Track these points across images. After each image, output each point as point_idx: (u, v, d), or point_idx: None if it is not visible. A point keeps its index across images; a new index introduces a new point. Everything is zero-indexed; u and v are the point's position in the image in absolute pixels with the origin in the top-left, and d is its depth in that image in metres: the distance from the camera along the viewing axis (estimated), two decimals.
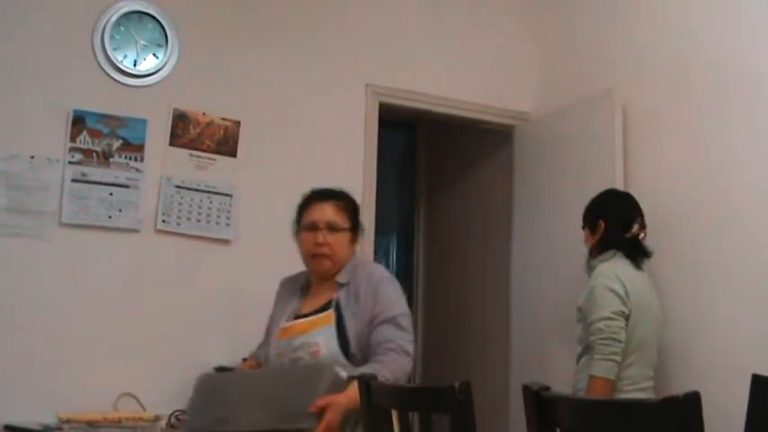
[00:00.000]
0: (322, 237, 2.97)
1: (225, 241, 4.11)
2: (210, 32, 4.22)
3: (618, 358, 3.31)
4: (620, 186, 4.06)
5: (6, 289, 3.66)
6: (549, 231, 4.48)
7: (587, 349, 3.45)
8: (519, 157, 4.93)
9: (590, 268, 3.65)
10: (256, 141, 4.19)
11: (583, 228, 3.75)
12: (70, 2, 3.95)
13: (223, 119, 4.16)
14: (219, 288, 4.04)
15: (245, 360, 3.41)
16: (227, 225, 4.11)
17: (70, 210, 3.80)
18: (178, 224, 4.02)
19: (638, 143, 4.11)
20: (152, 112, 4.00)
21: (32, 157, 3.76)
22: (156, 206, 3.98)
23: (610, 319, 3.34)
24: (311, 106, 4.40)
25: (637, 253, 3.61)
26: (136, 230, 3.94)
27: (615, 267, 3.52)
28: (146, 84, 4.03)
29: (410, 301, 6.11)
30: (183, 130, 4.07)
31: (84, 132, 3.86)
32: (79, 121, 3.85)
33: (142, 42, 4.04)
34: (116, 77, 3.97)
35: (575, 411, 1.80)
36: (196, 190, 4.05)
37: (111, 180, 3.89)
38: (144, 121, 3.98)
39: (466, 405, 2.04)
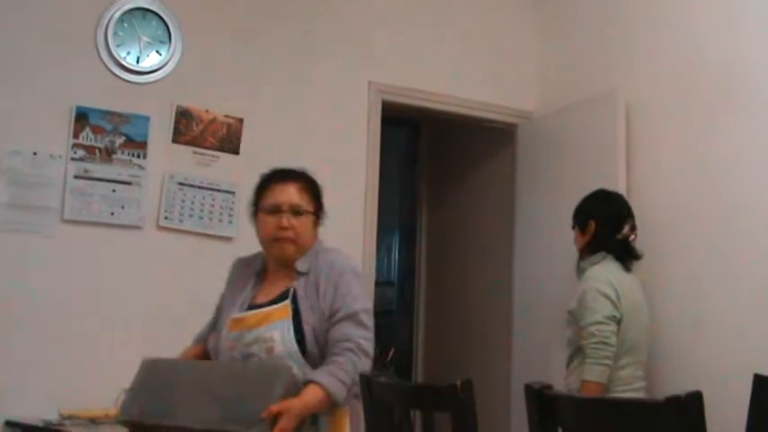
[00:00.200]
0: (286, 220, 2.72)
1: (227, 238, 4.11)
2: (214, 29, 4.22)
3: (609, 362, 3.31)
4: (622, 186, 4.06)
5: (8, 285, 3.67)
6: (551, 230, 4.47)
7: (578, 352, 3.46)
8: (522, 156, 4.92)
9: (580, 270, 3.65)
10: (259, 139, 4.19)
11: (573, 227, 3.75)
12: None
13: (226, 116, 4.16)
14: (222, 285, 4.03)
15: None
16: (230, 222, 4.11)
17: (73, 206, 3.80)
18: (181, 221, 4.02)
19: (641, 143, 4.11)
20: (155, 109, 4.00)
21: (35, 154, 3.76)
22: (158, 203, 3.98)
23: (602, 323, 3.35)
24: (314, 104, 4.40)
25: (626, 255, 3.60)
26: (138, 227, 3.94)
27: (606, 271, 3.51)
28: (149, 80, 4.03)
29: (412, 299, 6.18)
30: (186, 127, 4.07)
31: (87, 129, 3.86)
32: (82, 118, 3.85)
33: (145, 39, 4.04)
34: (119, 74, 3.97)
35: (577, 410, 1.80)
36: (199, 187, 4.06)
37: (114, 177, 3.89)
38: (147, 118, 3.98)
39: (467, 403, 2.04)
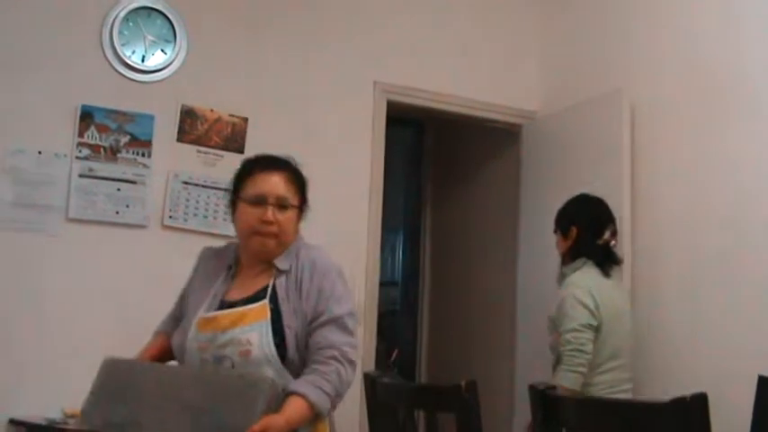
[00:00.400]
0: (271, 213, 2.48)
1: (232, 238, 4.10)
2: (219, 29, 4.22)
3: (583, 369, 3.33)
4: (626, 186, 4.06)
5: (13, 283, 3.67)
6: None
7: (561, 358, 3.46)
8: (526, 156, 4.92)
9: (561, 276, 3.65)
10: (264, 138, 4.18)
11: (555, 232, 3.74)
12: None
13: (231, 115, 4.17)
14: None
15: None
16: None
17: (77, 205, 3.81)
18: (185, 220, 4.02)
19: (645, 143, 4.10)
20: (160, 108, 4.01)
21: (40, 152, 3.77)
22: (163, 202, 3.98)
23: (577, 331, 3.37)
24: (319, 103, 4.40)
25: (607, 261, 3.61)
26: (143, 226, 3.94)
27: (586, 278, 3.52)
28: (154, 79, 4.03)
29: (416, 299, 6.18)
30: (191, 127, 4.08)
31: (92, 128, 3.87)
32: (87, 117, 3.86)
33: (150, 38, 4.05)
34: (124, 73, 3.97)
35: (581, 411, 1.80)
36: (203, 186, 4.06)
37: (119, 176, 3.90)
38: (152, 117, 3.98)
39: (472, 404, 2.05)
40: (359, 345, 2.47)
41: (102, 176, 3.86)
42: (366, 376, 2.60)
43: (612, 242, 3.64)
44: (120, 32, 3.97)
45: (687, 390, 1.57)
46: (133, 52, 4.00)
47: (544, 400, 1.83)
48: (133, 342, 3.79)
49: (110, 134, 3.89)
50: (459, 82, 4.82)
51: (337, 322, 2.41)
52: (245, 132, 4.18)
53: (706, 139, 3.79)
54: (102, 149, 3.88)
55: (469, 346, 5.39)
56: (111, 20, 3.95)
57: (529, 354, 4.68)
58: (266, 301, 2.43)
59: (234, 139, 4.16)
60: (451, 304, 5.75)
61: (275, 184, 2.53)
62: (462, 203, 5.74)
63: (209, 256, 2.72)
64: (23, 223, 3.70)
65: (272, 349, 2.36)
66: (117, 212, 3.89)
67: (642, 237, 4.04)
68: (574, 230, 3.63)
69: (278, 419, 2.16)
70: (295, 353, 2.38)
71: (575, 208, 3.72)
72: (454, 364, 5.48)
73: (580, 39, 4.73)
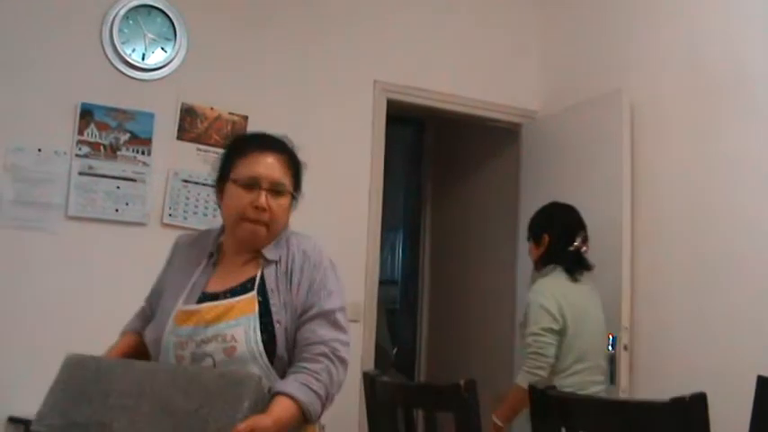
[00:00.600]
0: (264, 199, 2.26)
1: None
2: (219, 27, 4.22)
3: (543, 372, 3.41)
4: (626, 185, 4.06)
5: (12, 280, 3.67)
6: None
7: None
8: (526, 156, 4.92)
9: (532, 282, 3.74)
10: None
11: (528, 240, 3.83)
12: None
13: (231, 113, 4.16)
14: None
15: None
16: None
17: (77, 203, 3.81)
18: (185, 218, 4.02)
19: (645, 143, 4.10)
20: (160, 106, 4.01)
21: (40, 150, 3.77)
22: (162, 200, 3.98)
23: (538, 335, 3.46)
24: (319, 102, 4.40)
25: (577, 266, 3.67)
26: (142, 224, 3.94)
27: (552, 284, 3.61)
28: (154, 77, 4.04)
29: (415, 298, 6.18)
30: (191, 125, 4.08)
31: (92, 125, 3.87)
32: (87, 115, 3.86)
33: (151, 36, 4.05)
34: (124, 71, 3.97)
35: (581, 411, 1.80)
36: (203, 184, 4.05)
37: (119, 173, 3.90)
38: (151, 115, 3.98)
39: (471, 403, 2.05)
40: (351, 342, 2.28)
41: (101, 174, 3.86)
42: (365, 375, 2.60)
43: (584, 248, 3.71)
44: (121, 30, 3.97)
45: (686, 389, 1.57)
46: (133, 50, 4.00)
47: (544, 399, 1.83)
48: None
49: (110, 132, 3.89)
50: (459, 81, 4.82)
51: (328, 317, 2.22)
52: (245, 130, 4.17)
53: (705, 139, 3.79)
54: (101, 147, 3.88)
55: (469, 345, 5.39)
56: (112, 18, 3.95)
57: None
58: (254, 293, 2.23)
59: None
60: (451, 303, 5.75)
61: (270, 166, 2.31)
62: (462, 202, 5.74)
63: (186, 243, 2.48)
64: (23, 221, 3.70)
65: (259, 346, 2.15)
66: (117, 210, 3.89)
67: (642, 236, 4.04)
68: (546, 238, 3.71)
69: (264, 420, 1.96)
70: (284, 351, 2.18)
71: (546, 216, 3.81)
72: (453, 363, 5.48)
73: (580, 38, 4.73)
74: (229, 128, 4.15)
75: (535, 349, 3.45)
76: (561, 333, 3.48)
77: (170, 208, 3.99)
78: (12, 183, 3.70)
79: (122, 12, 3.97)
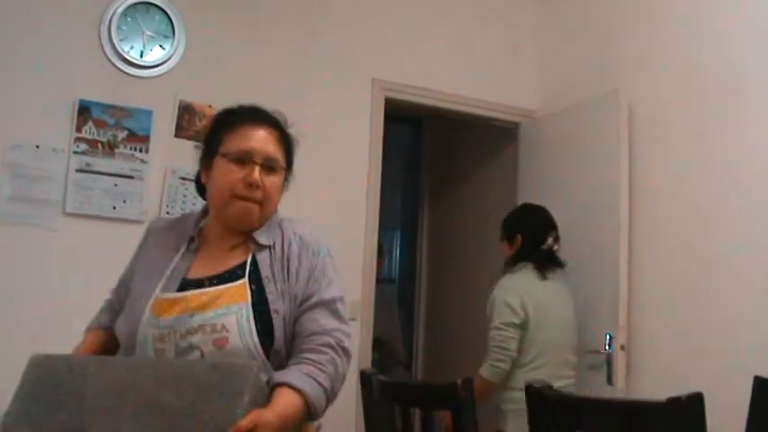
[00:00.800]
0: (258, 175, 2.07)
1: None
2: (217, 25, 4.22)
3: (503, 365, 3.62)
4: (624, 185, 4.06)
5: (10, 277, 3.67)
6: None
7: None
8: (524, 155, 4.92)
9: (500, 278, 3.91)
10: None
11: (501, 240, 4.02)
12: None
13: None
14: None
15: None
16: None
17: (74, 200, 3.81)
18: None
19: (643, 142, 4.11)
20: (158, 104, 4.00)
21: (37, 147, 3.76)
22: (160, 197, 3.98)
23: (499, 329, 3.66)
24: (317, 100, 4.40)
25: (549, 264, 3.86)
26: (140, 222, 3.93)
27: (516, 280, 3.81)
28: (152, 75, 4.03)
29: (412, 298, 6.18)
30: (189, 122, 4.08)
31: (90, 123, 3.86)
32: (85, 112, 3.86)
33: (149, 33, 4.04)
34: (122, 68, 3.97)
35: (578, 410, 1.80)
36: None
37: (116, 171, 3.89)
38: (149, 113, 3.98)
39: (468, 401, 2.05)
40: (352, 334, 2.13)
41: (99, 171, 3.86)
42: (362, 374, 2.60)
43: (555, 247, 3.91)
44: (119, 28, 3.96)
45: (683, 389, 1.57)
46: (131, 47, 3.99)
47: (540, 398, 1.84)
48: None
49: (107, 129, 3.89)
50: (457, 80, 4.82)
51: (329, 306, 2.06)
52: None
53: (703, 139, 3.80)
54: (99, 144, 3.87)
55: (465, 344, 5.39)
56: (110, 15, 3.94)
57: None
58: (245, 279, 2.03)
59: None
60: (448, 302, 5.75)
61: (263, 140, 2.13)
62: (460, 202, 5.74)
63: (161, 227, 2.27)
64: (20, 217, 3.70)
65: (254, 338, 1.95)
66: (114, 207, 3.88)
67: (639, 236, 4.04)
68: (519, 238, 3.92)
69: (267, 414, 1.76)
70: (282, 343, 1.99)
71: (519, 217, 4.04)
72: (450, 362, 5.48)
73: (578, 39, 4.74)
74: None
75: (497, 343, 3.64)
76: (523, 327, 3.66)
77: (167, 205, 3.99)
78: (9, 179, 3.70)
79: (121, 9, 3.97)
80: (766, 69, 3.53)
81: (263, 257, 2.09)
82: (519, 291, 3.72)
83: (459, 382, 2.05)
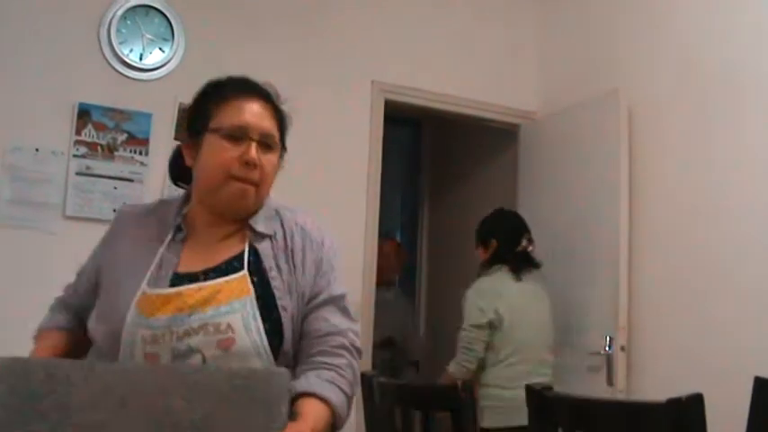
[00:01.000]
0: (256, 153, 1.83)
1: None
2: (216, 27, 4.22)
3: (469, 365, 3.80)
4: (624, 186, 4.06)
5: (9, 280, 3.67)
6: (552, 230, 4.47)
7: None
8: (524, 156, 4.92)
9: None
10: None
11: (477, 247, 4.14)
12: None
13: None
14: None
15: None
16: None
17: (74, 203, 3.81)
18: None
19: (643, 143, 4.11)
20: (157, 106, 4.00)
21: (37, 150, 3.76)
22: None
23: (467, 331, 3.84)
24: (317, 102, 4.39)
25: (524, 265, 3.98)
26: None
27: (490, 282, 3.94)
28: (152, 78, 4.04)
29: (413, 299, 6.17)
30: None
31: (90, 125, 3.86)
32: (84, 115, 3.86)
33: (148, 36, 4.05)
34: (122, 71, 3.97)
35: (577, 411, 1.80)
36: None
37: (116, 174, 3.89)
38: (149, 115, 3.98)
39: (468, 403, 2.05)
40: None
41: (99, 174, 3.86)
42: (363, 376, 2.59)
43: (530, 248, 4.04)
44: (118, 31, 3.97)
45: (683, 390, 1.57)
46: (131, 50, 4.00)
47: (540, 400, 1.83)
48: None
49: (107, 132, 3.89)
50: (456, 81, 4.82)
51: (337, 303, 1.89)
52: None
53: (703, 139, 3.80)
54: (99, 147, 3.87)
55: None
56: (109, 18, 3.95)
57: None
58: (245, 272, 1.81)
59: None
60: (448, 303, 5.74)
61: (259, 114, 1.90)
62: (459, 203, 5.74)
63: (137, 214, 2.01)
64: (20, 220, 3.70)
65: (262, 338, 1.74)
66: (114, 210, 3.86)
67: (639, 236, 4.04)
68: (493, 242, 4.04)
69: (302, 428, 1.60)
70: (291, 344, 1.80)
71: (493, 222, 4.14)
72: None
73: (578, 39, 4.74)
74: None
75: (464, 344, 3.82)
76: (492, 328, 3.79)
77: None
78: (9, 182, 3.70)
79: (120, 12, 3.97)
80: (765, 70, 3.54)
81: (263, 247, 1.87)
82: (490, 293, 3.86)
83: (459, 383, 2.05)
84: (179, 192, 2.03)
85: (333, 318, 1.85)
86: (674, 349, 3.78)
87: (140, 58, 4.01)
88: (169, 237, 1.87)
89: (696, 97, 3.85)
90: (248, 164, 1.81)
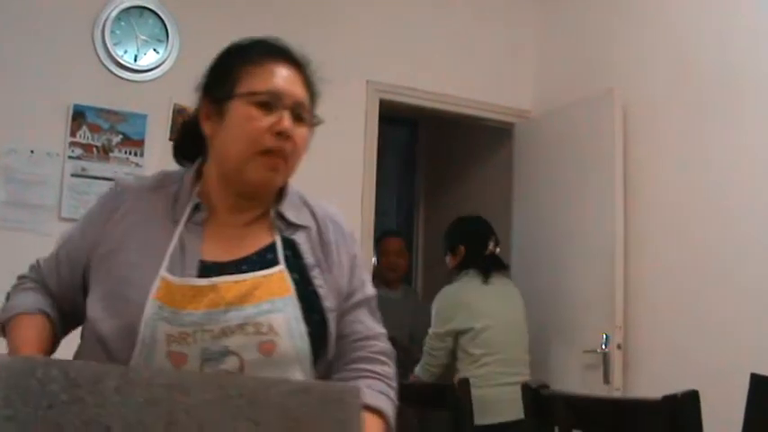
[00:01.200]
0: (290, 122, 1.60)
1: None
2: (211, 28, 4.21)
3: (433, 369, 3.89)
4: (619, 185, 4.06)
5: (4, 283, 3.65)
6: (548, 229, 4.48)
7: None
8: (519, 155, 4.92)
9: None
10: None
11: (445, 255, 4.21)
12: None
13: None
14: None
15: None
16: None
17: (70, 204, 3.80)
18: None
19: (637, 142, 4.11)
20: (152, 108, 4.00)
21: (32, 152, 3.76)
22: None
23: (431, 338, 3.92)
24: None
25: (493, 267, 4.04)
26: None
27: (457, 288, 4.00)
28: (146, 79, 4.03)
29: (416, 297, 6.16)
30: None
31: (84, 127, 3.86)
32: (79, 116, 3.85)
33: (143, 37, 4.04)
34: (116, 72, 3.97)
35: (574, 409, 1.80)
36: None
37: (111, 175, 3.88)
38: (144, 117, 3.98)
39: (464, 402, 2.05)
40: None
41: (94, 176, 3.86)
42: None
43: (497, 250, 4.13)
44: (113, 32, 3.96)
45: (679, 387, 1.57)
46: (125, 52, 3.99)
47: (537, 398, 1.84)
48: None
49: (102, 133, 3.89)
50: (452, 81, 4.81)
51: (370, 305, 1.72)
52: None
53: (697, 139, 3.80)
54: (94, 149, 3.87)
55: None
56: (104, 19, 3.94)
57: None
58: (282, 266, 1.58)
59: None
60: None
61: (291, 81, 1.68)
62: (455, 202, 5.74)
63: (140, 187, 1.71)
64: (15, 222, 3.70)
65: (305, 342, 1.53)
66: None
67: (634, 235, 4.05)
68: (461, 249, 4.11)
69: None
70: (331, 347, 1.61)
71: (458, 229, 4.23)
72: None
73: (573, 39, 4.74)
74: None
75: (428, 350, 3.91)
76: (460, 333, 3.84)
77: None
78: (4, 184, 3.70)
79: (114, 13, 3.96)
80: (761, 69, 3.54)
81: (302, 239, 1.65)
82: (457, 298, 3.93)
83: (455, 383, 2.05)
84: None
85: (368, 321, 1.69)
86: (670, 347, 3.79)
87: (135, 60, 4.01)
88: (185, 216, 1.61)
89: (691, 97, 3.86)
90: (281, 134, 1.58)
